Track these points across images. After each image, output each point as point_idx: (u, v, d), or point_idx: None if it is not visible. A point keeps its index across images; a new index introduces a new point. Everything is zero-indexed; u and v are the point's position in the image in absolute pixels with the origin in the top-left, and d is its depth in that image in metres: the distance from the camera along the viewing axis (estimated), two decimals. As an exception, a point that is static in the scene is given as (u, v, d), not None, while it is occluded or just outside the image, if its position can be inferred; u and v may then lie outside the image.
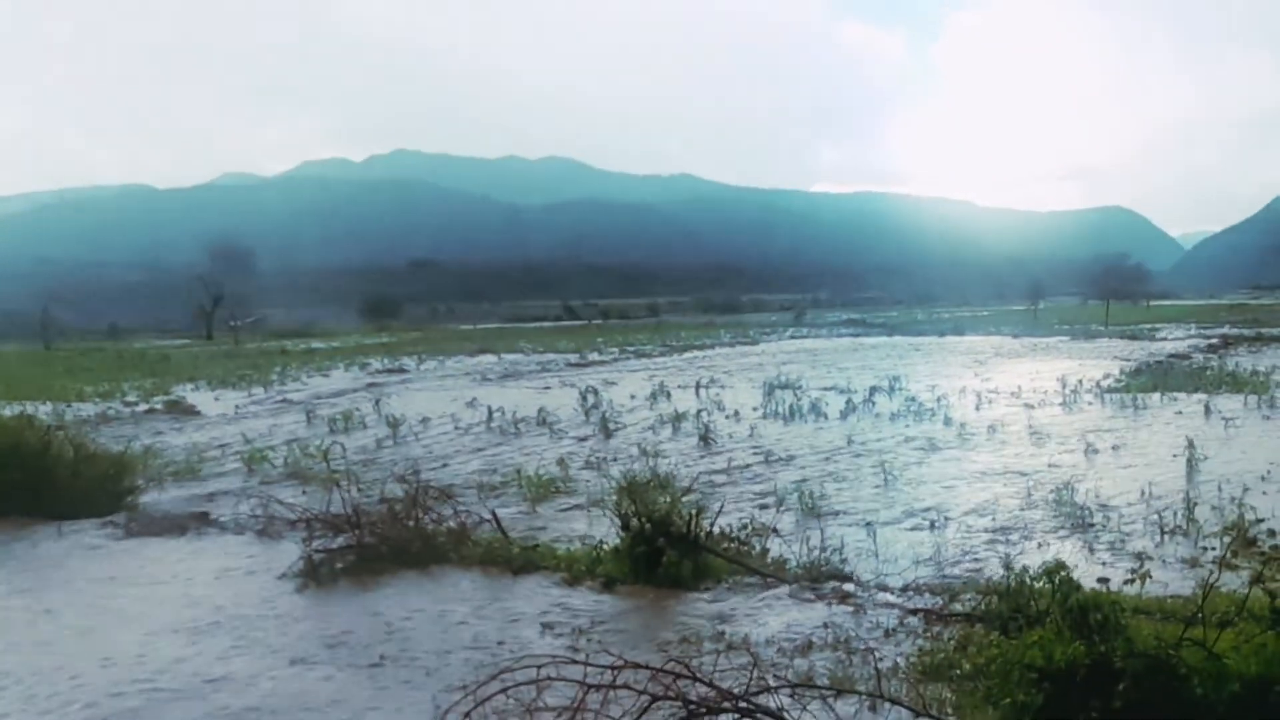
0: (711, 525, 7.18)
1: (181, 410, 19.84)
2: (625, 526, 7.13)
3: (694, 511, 7.04)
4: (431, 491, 8.97)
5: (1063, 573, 4.81)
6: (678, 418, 18.41)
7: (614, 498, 7.44)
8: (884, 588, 7.11)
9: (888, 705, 4.64)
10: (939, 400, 20.48)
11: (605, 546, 7.37)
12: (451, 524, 8.14)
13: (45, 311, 55.84)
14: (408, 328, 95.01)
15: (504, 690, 4.22)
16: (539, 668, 4.19)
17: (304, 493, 11.93)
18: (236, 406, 23.74)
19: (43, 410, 16.92)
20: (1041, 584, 5.08)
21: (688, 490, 8.28)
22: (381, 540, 7.76)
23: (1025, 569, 6.00)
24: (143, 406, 21.43)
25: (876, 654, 5.41)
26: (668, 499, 7.17)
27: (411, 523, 8.02)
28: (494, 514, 8.41)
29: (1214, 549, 8.45)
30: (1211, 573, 7.30)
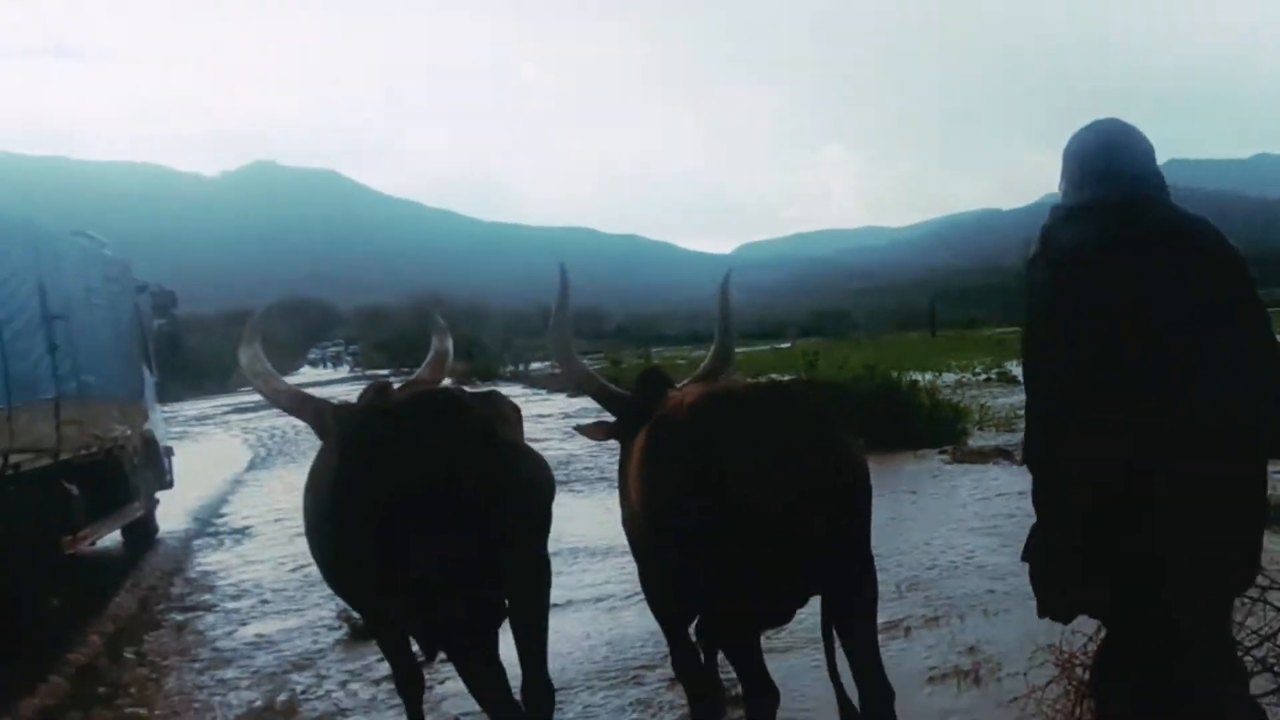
0: None
1: (1006, 381, 22.92)
2: None
3: None
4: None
5: None
6: None
7: None
8: None
9: None
10: None
11: None
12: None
13: (931, 305, 62.93)
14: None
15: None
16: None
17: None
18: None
19: (923, 377, 20.58)
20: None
21: None
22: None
23: None
24: (982, 376, 25.14)
25: None
26: None
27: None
28: None
29: None
30: None
